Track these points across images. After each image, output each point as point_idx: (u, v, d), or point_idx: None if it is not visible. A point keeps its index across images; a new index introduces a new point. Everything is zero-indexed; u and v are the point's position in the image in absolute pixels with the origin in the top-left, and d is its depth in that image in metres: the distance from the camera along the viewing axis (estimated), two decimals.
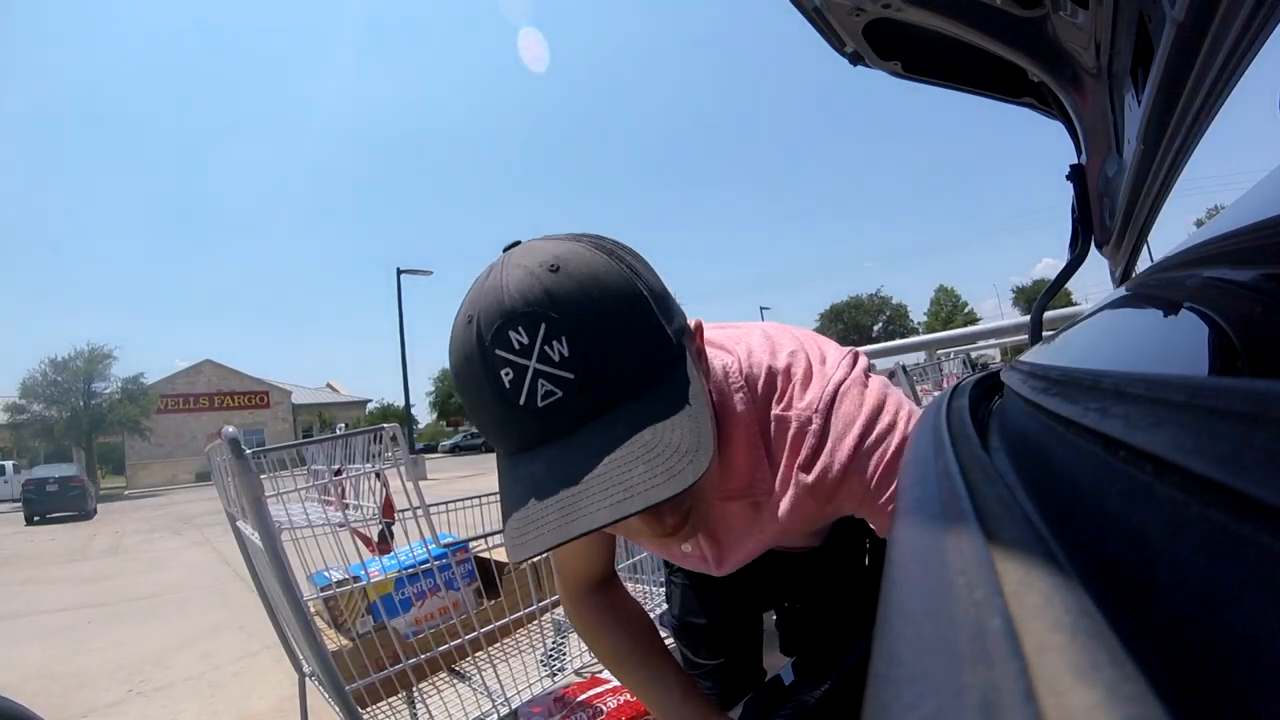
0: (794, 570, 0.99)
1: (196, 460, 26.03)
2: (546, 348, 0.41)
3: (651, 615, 1.97)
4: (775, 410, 0.59)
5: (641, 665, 0.76)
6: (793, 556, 0.93)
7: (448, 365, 0.47)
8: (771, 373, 0.60)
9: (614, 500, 0.39)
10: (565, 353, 0.41)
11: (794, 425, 0.57)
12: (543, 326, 0.41)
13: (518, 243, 0.49)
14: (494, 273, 0.45)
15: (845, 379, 0.59)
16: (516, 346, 0.41)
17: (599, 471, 0.40)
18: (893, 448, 0.55)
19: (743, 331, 0.66)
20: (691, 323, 0.52)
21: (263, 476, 1.34)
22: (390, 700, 1.49)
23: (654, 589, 2.04)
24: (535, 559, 1.74)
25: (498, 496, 2.04)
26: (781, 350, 0.61)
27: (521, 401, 0.42)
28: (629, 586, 2.04)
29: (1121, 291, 0.72)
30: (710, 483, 0.51)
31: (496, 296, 0.42)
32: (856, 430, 0.56)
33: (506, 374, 0.42)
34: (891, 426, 0.57)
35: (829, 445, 0.56)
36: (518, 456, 0.45)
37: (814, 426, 0.57)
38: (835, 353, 0.64)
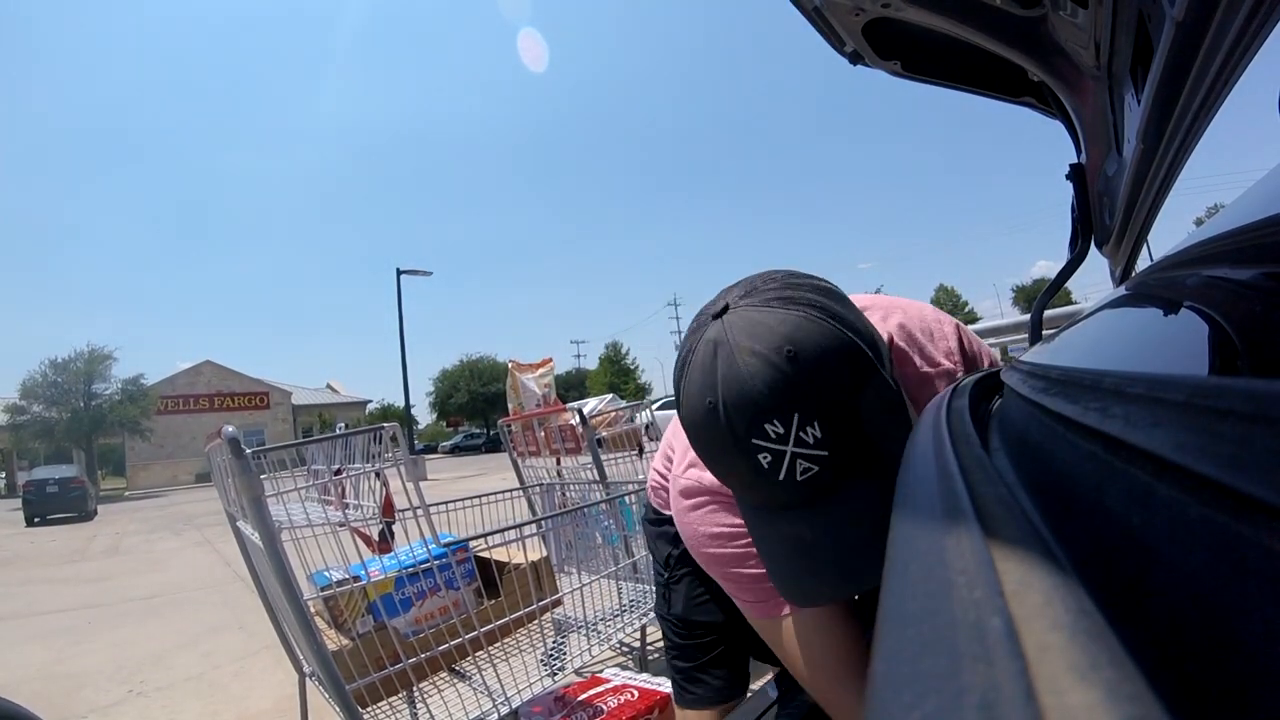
0: None
1: (197, 461, 26.01)
2: (801, 434, 0.44)
3: (651, 614, 1.98)
4: (921, 369, 0.67)
5: None
6: None
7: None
8: (893, 339, 0.68)
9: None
10: (818, 435, 0.45)
11: (944, 378, 0.67)
12: (796, 417, 0.44)
13: (726, 307, 0.50)
14: (724, 353, 0.47)
15: (953, 325, 0.72)
16: (773, 436, 0.45)
17: (860, 535, 0.46)
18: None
19: None
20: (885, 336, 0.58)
21: (263, 476, 1.34)
22: (390, 700, 1.48)
23: (653, 588, 2.04)
24: (530, 558, 1.74)
25: (497, 497, 2.02)
26: (876, 318, 0.68)
27: (781, 478, 0.46)
28: (628, 586, 2.06)
29: (1121, 291, 0.72)
30: None
31: (740, 388, 0.45)
32: (986, 360, 0.72)
33: (764, 458, 0.45)
34: (992, 357, 0.73)
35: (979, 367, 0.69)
36: (776, 514, 0.49)
37: (960, 373, 0.68)
38: (910, 305, 0.74)
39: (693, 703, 1.03)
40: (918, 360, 0.68)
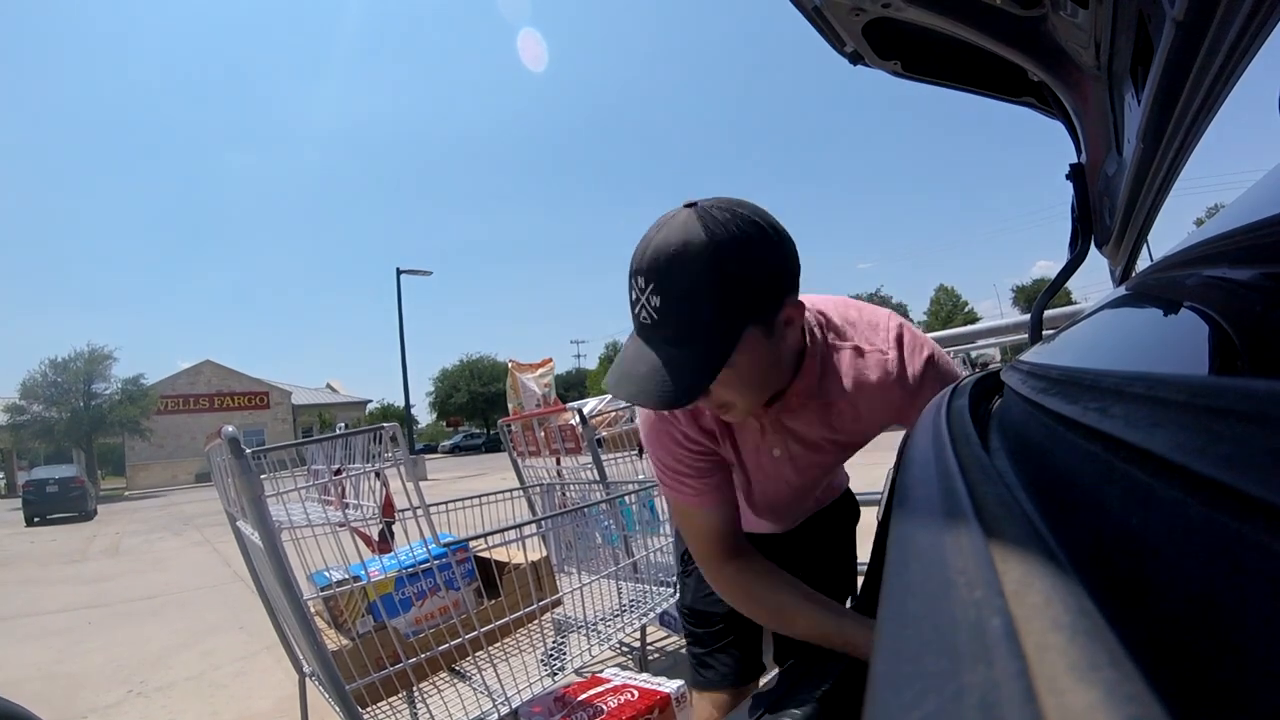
0: (800, 547, 1.14)
1: (196, 461, 26.01)
2: (648, 297, 0.66)
3: (652, 614, 1.98)
4: (860, 344, 0.84)
5: (804, 613, 0.81)
6: (799, 533, 1.13)
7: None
8: (834, 321, 0.86)
9: (644, 392, 0.68)
10: (657, 304, 0.66)
11: (875, 354, 0.83)
12: (651, 285, 0.66)
13: (694, 203, 0.69)
14: (659, 225, 0.68)
15: (898, 323, 0.86)
16: (638, 285, 0.67)
17: (646, 373, 0.68)
18: (942, 368, 0.84)
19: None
20: (798, 304, 0.75)
21: (262, 476, 1.34)
22: (390, 700, 1.48)
23: (653, 588, 2.04)
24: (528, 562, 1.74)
25: (497, 497, 2.04)
26: (834, 304, 0.88)
27: (635, 311, 0.69)
28: (628, 586, 2.06)
29: (1121, 291, 0.72)
30: (743, 385, 0.74)
31: (644, 248, 0.67)
32: (925, 354, 0.84)
33: (632, 293, 0.68)
34: (933, 355, 0.85)
35: (907, 361, 0.83)
36: (634, 337, 0.72)
37: (891, 355, 0.83)
38: (867, 307, 0.89)
39: (704, 685, 1.12)
40: (858, 339, 0.85)
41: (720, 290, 0.66)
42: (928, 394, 0.80)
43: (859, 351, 0.83)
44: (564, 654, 1.79)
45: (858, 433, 0.90)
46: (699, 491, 0.86)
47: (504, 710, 1.48)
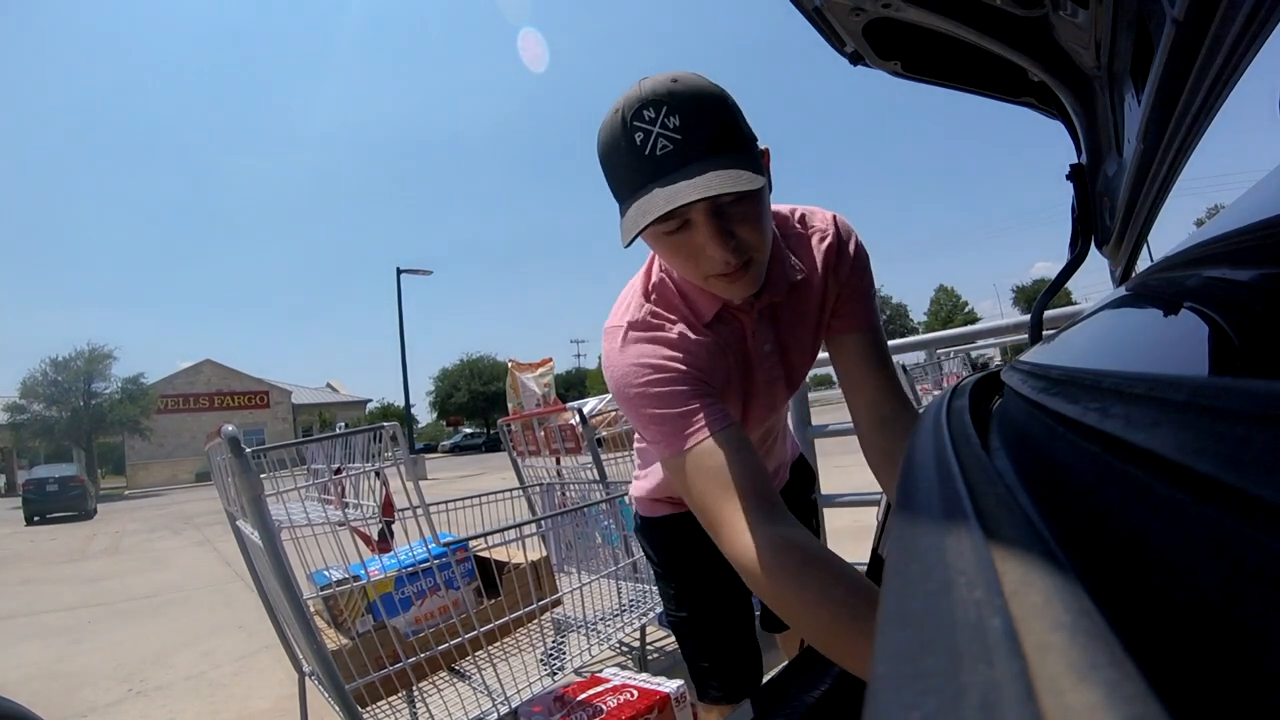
0: None
1: (197, 460, 26.02)
2: (665, 119, 0.64)
3: (651, 614, 1.98)
4: (799, 224, 0.87)
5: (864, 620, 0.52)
6: None
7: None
8: (779, 211, 0.88)
9: (700, 190, 0.61)
10: (677, 123, 0.64)
11: (818, 234, 0.87)
12: (665, 107, 0.64)
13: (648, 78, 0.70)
14: (634, 86, 0.67)
15: (833, 213, 0.90)
16: (645, 118, 0.64)
17: (693, 181, 0.63)
18: (863, 251, 0.89)
19: None
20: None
21: (262, 475, 1.34)
22: (390, 699, 1.49)
23: (653, 588, 2.04)
24: (532, 556, 1.74)
25: (497, 496, 2.03)
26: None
27: (647, 153, 0.64)
28: (628, 586, 2.06)
29: (1121, 291, 0.72)
30: (764, 219, 0.71)
31: (637, 93, 0.65)
32: (855, 235, 0.89)
33: (636, 136, 0.65)
34: (859, 240, 0.89)
35: (845, 237, 0.88)
36: (637, 194, 0.66)
37: (830, 231, 0.87)
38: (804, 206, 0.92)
39: (712, 700, 1.12)
40: (800, 222, 0.88)
41: (735, 105, 0.69)
42: (858, 280, 0.87)
43: (804, 230, 0.88)
44: (564, 653, 1.79)
45: (819, 322, 0.89)
46: (716, 413, 0.70)
47: (504, 710, 1.48)
